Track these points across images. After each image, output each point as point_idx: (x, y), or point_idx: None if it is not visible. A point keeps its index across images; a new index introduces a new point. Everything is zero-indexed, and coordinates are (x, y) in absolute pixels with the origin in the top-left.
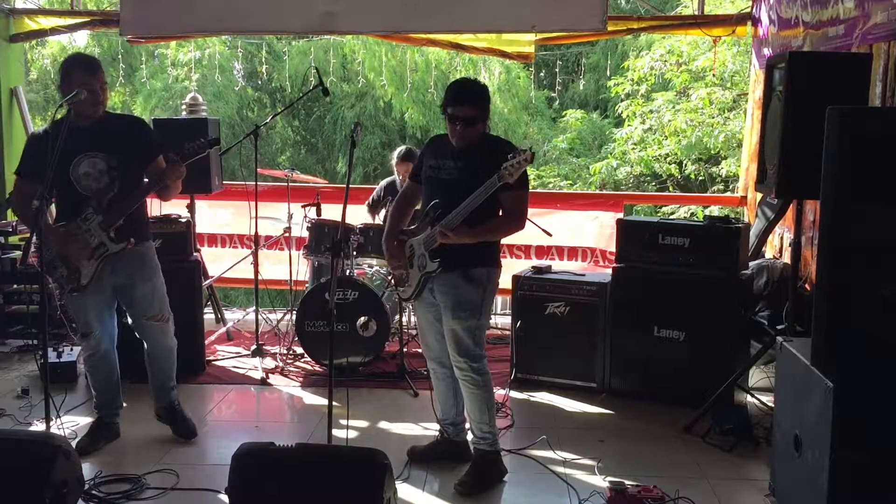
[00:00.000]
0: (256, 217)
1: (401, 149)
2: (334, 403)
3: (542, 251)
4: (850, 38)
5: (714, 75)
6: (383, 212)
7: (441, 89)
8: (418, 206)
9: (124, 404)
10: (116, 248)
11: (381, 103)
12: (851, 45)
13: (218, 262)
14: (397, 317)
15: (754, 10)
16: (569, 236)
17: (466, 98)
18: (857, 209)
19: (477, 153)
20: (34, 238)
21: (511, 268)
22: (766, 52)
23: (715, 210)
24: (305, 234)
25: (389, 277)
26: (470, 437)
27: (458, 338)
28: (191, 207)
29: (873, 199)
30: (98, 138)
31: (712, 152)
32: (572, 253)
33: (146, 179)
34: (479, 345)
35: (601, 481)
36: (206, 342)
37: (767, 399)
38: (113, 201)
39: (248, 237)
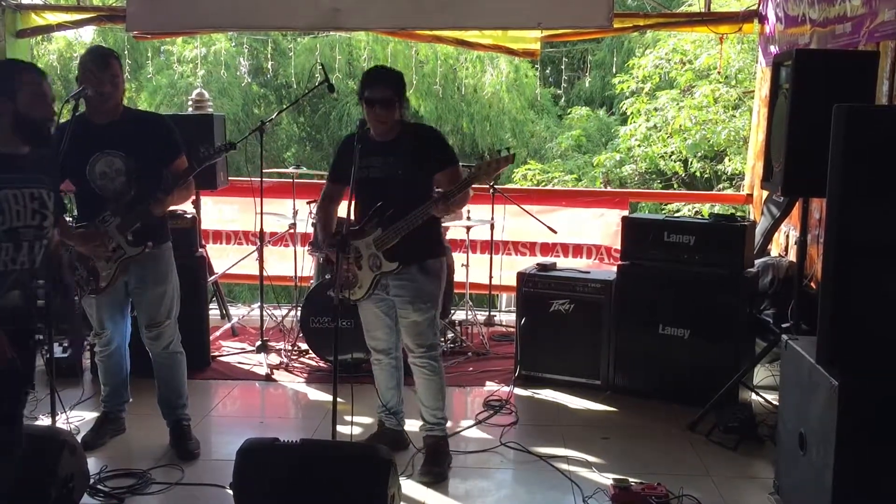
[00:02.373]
0: (262, 213)
1: None
2: (339, 399)
3: (546, 248)
4: (857, 35)
5: (719, 73)
6: None
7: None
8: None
9: (131, 399)
10: (134, 251)
11: None
12: (858, 43)
13: (223, 259)
14: None
15: (761, 7)
16: (574, 234)
17: (381, 79)
18: (863, 207)
19: (402, 144)
20: None
21: (516, 265)
22: (773, 49)
23: (717, 207)
24: (310, 230)
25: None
26: (419, 424)
27: (420, 329)
28: (196, 204)
29: (880, 197)
30: (117, 136)
31: (717, 150)
32: (577, 250)
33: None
34: (437, 334)
35: (605, 479)
36: (211, 338)
37: (772, 397)
38: (131, 204)
39: (253, 233)
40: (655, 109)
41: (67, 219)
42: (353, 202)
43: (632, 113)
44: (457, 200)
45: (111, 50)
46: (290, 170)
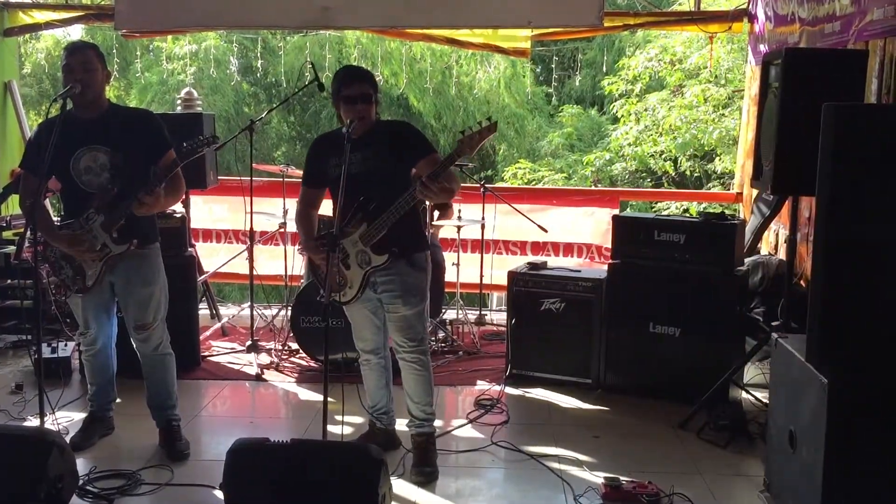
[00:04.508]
0: (252, 212)
1: None
2: (329, 399)
3: (537, 247)
4: (846, 34)
5: (710, 72)
6: None
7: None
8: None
9: (118, 399)
10: (119, 249)
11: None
12: (847, 42)
13: (213, 258)
14: None
15: (750, 6)
16: (564, 232)
17: (358, 77)
18: (852, 206)
19: (378, 139)
20: (28, 233)
21: (506, 264)
22: (763, 48)
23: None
24: None
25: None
26: (406, 422)
27: (409, 323)
28: (185, 203)
29: (869, 195)
30: (101, 131)
31: (706, 149)
32: (568, 249)
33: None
34: (426, 328)
35: (596, 477)
36: (201, 338)
37: (762, 395)
38: (115, 201)
39: (243, 232)
40: (646, 110)
41: (55, 218)
42: (336, 201)
43: (622, 115)
44: (444, 186)
45: (87, 42)
46: (280, 168)
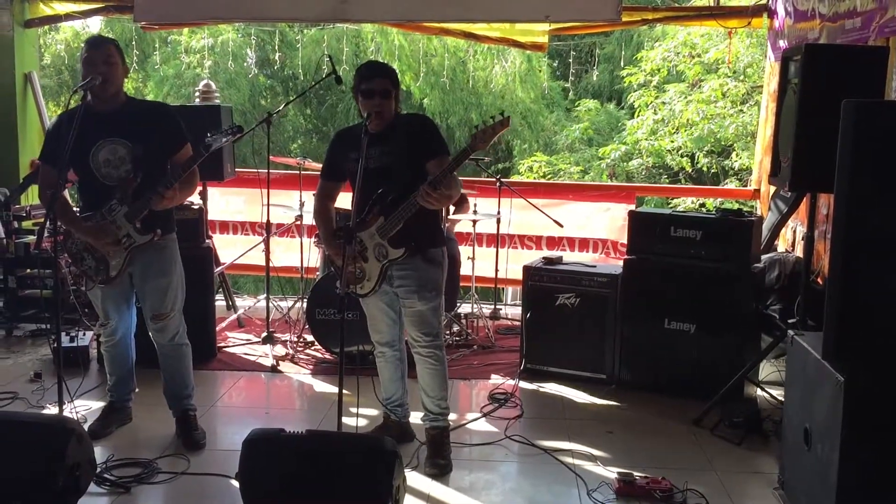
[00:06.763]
0: (268, 204)
1: None
2: (344, 391)
3: (553, 242)
4: (867, 30)
5: (728, 67)
6: None
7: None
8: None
9: (137, 389)
10: (143, 239)
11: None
12: (868, 38)
13: (230, 249)
14: None
15: (770, 1)
16: (580, 228)
17: (378, 71)
18: (871, 203)
19: (397, 133)
20: (48, 223)
21: (522, 258)
22: (782, 44)
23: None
24: None
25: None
26: (421, 416)
27: (425, 318)
28: (203, 194)
29: (888, 193)
30: (119, 124)
31: (724, 144)
32: (584, 244)
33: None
34: (441, 322)
35: (609, 472)
36: (218, 329)
37: (777, 393)
38: (138, 191)
39: (259, 224)
40: (663, 103)
41: (74, 209)
42: (354, 194)
43: (639, 105)
44: (444, 193)
45: (107, 37)
46: (297, 161)
